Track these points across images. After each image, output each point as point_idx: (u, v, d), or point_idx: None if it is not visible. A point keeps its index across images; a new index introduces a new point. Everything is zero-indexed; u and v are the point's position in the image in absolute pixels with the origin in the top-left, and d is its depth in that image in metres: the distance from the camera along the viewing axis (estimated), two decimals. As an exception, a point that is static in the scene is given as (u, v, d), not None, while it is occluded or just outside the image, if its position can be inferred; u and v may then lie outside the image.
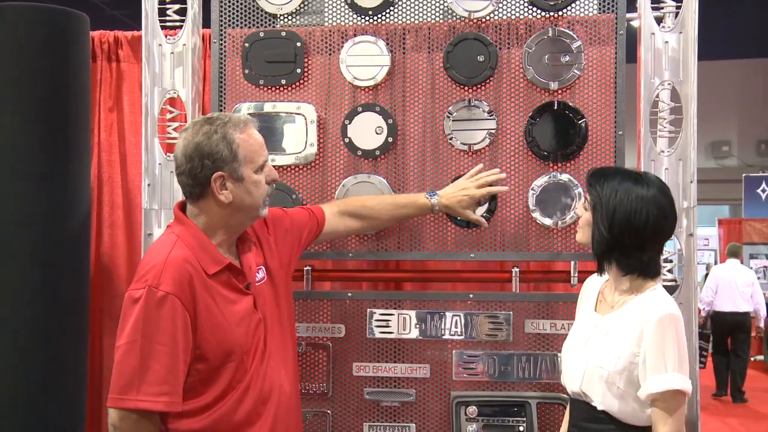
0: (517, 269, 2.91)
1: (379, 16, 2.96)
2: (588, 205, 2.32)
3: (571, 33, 2.84)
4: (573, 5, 2.87)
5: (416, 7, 2.94)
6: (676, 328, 2.18)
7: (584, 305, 2.48)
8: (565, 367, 2.40)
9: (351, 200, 2.78)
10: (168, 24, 3.07)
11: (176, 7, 3.05)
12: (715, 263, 11.96)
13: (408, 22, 2.95)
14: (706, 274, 12.11)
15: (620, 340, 2.23)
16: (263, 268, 2.39)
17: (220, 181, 2.20)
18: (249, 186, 2.23)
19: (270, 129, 2.95)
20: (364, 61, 2.93)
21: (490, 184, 2.77)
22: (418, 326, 2.90)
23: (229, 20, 3.01)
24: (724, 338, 9.19)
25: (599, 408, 2.25)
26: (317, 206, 2.69)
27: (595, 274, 2.52)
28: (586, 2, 2.88)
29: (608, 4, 2.85)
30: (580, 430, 2.34)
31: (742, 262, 9.81)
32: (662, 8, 2.87)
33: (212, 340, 2.16)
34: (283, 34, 2.97)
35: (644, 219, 2.22)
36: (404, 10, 2.95)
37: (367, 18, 2.96)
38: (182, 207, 2.31)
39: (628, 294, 2.30)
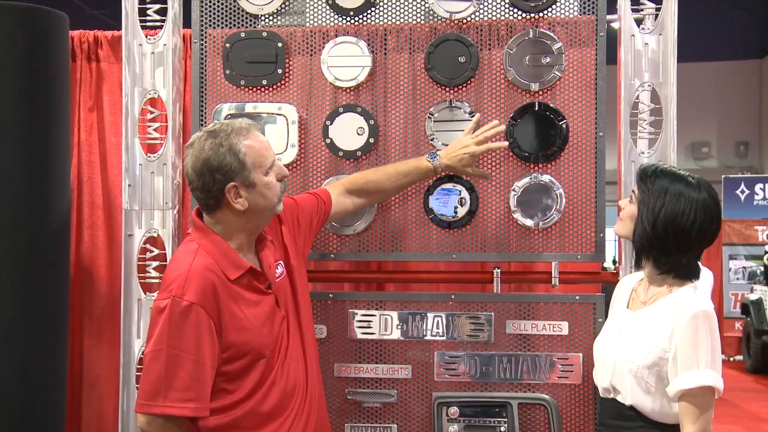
0: (499, 270, 2.92)
1: (361, 16, 2.95)
2: (635, 199, 2.34)
3: (551, 34, 2.85)
4: (554, 7, 2.88)
5: (397, 8, 2.95)
6: (710, 325, 2.19)
7: (617, 303, 2.50)
8: (596, 363, 2.42)
9: (355, 177, 2.77)
10: (148, 24, 3.06)
11: (157, 6, 3.05)
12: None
13: (389, 22, 2.95)
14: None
15: (651, 335, 2.25)
16: (281, 262, 2.43)
17: (234, 191, 2.23)
18: (262, 189, 2.26)
19: (251, 129, 2.94)
20: (346, 61, 2.93)
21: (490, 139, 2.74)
22: (399, 327, 2.90)
23: (210, 20, 3.00)
24: None
25: (627, 404, 2.26)
26: (323, 189, 2.70)
27: (630, 274, 2.55)
28: (567, 4, 2.89)
29: (588, 5, 2.87)
30: (608, 428, 2.36)
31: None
32: (642, 10, 2.89)
33: (238, 342, 2.21)
34: (264, 34, 2.97)
35: (691, 221, 2.24)
36: (386, 10, 2.95)
37: (348, 19, 2.96)
38: (200, 213, 2.34)
39: (661, 291, 2.31)
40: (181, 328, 2.14)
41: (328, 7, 2.96)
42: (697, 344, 2.17)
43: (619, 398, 2.30)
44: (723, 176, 13.22)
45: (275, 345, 2.29)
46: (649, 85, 2.87)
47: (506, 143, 2.77)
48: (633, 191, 2.37)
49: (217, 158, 2.21)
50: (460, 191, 2.88)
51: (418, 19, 2.94)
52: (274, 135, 2.93)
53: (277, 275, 2.38)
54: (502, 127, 2.75)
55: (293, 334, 2.37)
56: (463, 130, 2.83)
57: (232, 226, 2.28)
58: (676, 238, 2.26)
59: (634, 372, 2.24)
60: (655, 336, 2.24)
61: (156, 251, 3.03)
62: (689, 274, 2.31)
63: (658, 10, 2.87)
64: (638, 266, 2.38)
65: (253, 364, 2.24)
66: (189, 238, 2.32)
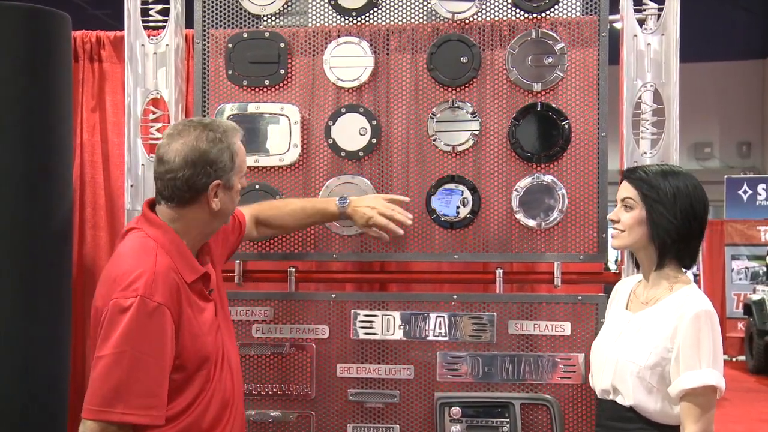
0: (501, 270, 2.91)
1: (363, 17, 2.95)
2: (635, 202, 2.31)
3: (554, 35, 2.85)
4: (556, 7, 2.88)
5: (400, 8, 2.94)
6: (712, 325, 2.19)
7: (615, 306, 2.49)
8: (594, 366, 2.42)
9: (264, 208, 2.74)
10: (151, 24, 3.06)
11: (159, 7, 3.05)
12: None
13: (392, 23, 2.95)
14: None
15: (653, 335, 2.24)
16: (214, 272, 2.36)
17: (216, 189, 2.16)
18: (234, 195, 2.23)
19: (254, 130, 2.94)
20: (348, 62, 2.93)
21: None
22: (402, 327, 2.90)
23: (212, 21, 3.00)
24: None
25: (628, 405, 2.26)
26: (239, 210, 2.59)
27: (627, 278, 2.55)
28: (569, 4, 2.89)
29: (591, 6, 2.86)
30: (606, 430, 2.35)
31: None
32: (644, 10, 2.89)
33: (191, 349, 2.12)
34: (267, 34, 2.97)
35: (703, 204, 2.29)
36: (388, 11, 2.95)
37: (350, 19, 2.96)
38: (150, 206, 2.23)
39: (662, 291, 2.31)
40: (146, 329, 2.01)
41: (330, 8, 2.96)
42: (700, 343, 2.17)
43: (618, 399, 2.29)
44: (725, 176, 13.24)
45: (216, 355, 2.21)
46: (651, 86, 2.86)
47: (401, 231, 2.75)
48: (627, 198, 2.33)
49: (215, 153, 2.14)
50: (462, 191, 2.88)
51: (421, 20, 2.94)
52: (276, 135, 2.94)
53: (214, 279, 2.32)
54: (408, 218, 2.76)
55: (225, 346, 2.29)
56: (465, 130, 2.86)
57: (192, 225, 2.19)
58: (698, 224, 2.28)
59: (636, 372, 2.24)
60: (658, 336, 2.23)
61: (158, 251, 3.02)
62: (696, 260, 2.35)
63: (660, 10, 2.87)
64: (662, 266, 2.32)
65: (198, 373, 2.15)
66: (141, 234, 2.17)
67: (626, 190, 2.33)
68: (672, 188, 2.26)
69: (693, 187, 2.28)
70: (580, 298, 2.85)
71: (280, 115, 2.94)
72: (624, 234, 2.35)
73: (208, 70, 3.00)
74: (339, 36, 2.95)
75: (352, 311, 2.92)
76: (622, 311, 2.41)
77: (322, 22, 2.98)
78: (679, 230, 2.26)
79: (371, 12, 2.95)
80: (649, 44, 2.85)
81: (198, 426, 2.15)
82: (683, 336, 2.18)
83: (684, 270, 2.34)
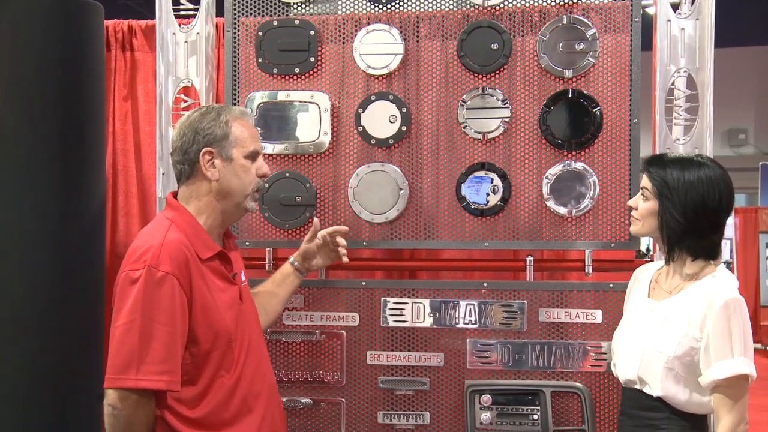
0: (531, 258, 2.90)
1: (393, 4, 2.95)
2: (650, 194, 2.31)
3: (585, 20, 2.83)
4: (588, -8, 2.85)
5: (430, -5, 2.93)
6: (741, 313, 2.18)
7: (635, 293, 2.47)
8: (618, 355, 2.40)
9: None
10: (182, 13, 3.07)
11: (190, -5, 3.06)
12: (731, 252, 11.88)
13: (422, 10, 2.94)
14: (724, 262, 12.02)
15: (681, 324, 2.22)
16: (243, 272, 2.42)
17: (209, 156, 2.26)
18: (237, 168, 2.28)
19: (283, 118, 2.95)
20: (378, 49, 2.92)
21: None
22: (432, 315, 2.90)
23: (243, 9, 3.01)
24: None
25: (655, 395, 2.25)
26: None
27: (647, 264, 2.53)
28: (601, -11, 2.86)
29: (623, -10, 2.83)
30: (631, 419, 2.34)
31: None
32: (678, -5, 2.85)
33: (203, 323, 2.18)
34: (297, 22, 2.97)
35: (718, 199, 2.25)
36: (418, -3, 2.94)
37: (380, 6, 2.95)
38: (175, 196, 2.35)
39: (689, 279, 2.29)
40: (155, 298, 2.09)
41: (360, -5, 2.96)
42: (731, 333, 2.16)
43: (645, 390, 2.28)
44: (761, 163, 13.02)
45: (236, 336, 2.24)
46: (685, 71, 2.83)
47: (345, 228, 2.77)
48: (644, 188, 2.33)
49: (203, 122, 2.27)
50: (492, 179, 2.87)
51: (451, 6, 2.93)
52: (306, 123, 2.94)
53: (242, 280, 2.38)
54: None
55: (257, 337, 2.34)
56: (495, 118, 2.86)
57: (204, 203, 2.28)
58: (709, 220, 2.25)
59: (664, 363, 2.22)
60: (685, 325, 2.21)
61: (190, 239, 3.05)
62: (718, 252, 2.31)
63: (695, -6, 2.83)
64: (672, 260, 2.33)
65: (214, 349, 2.19)
66: (161, 216, 2.31)
67: (645, 180, 2.34)
68: (686, 183, 2.24)
69: (709, 180, 2.25)
70: (611, 285, 2.83)
71: (310, 102, 2.95)
72: (641, 222, 2.36)
73: (238, 59, 3.02)
74: (369, 23, 2.95)
75: (382, 299, 2.92)
76: (645, 299, 2.39)
77: (351, 9, 2.98)
78: (685, 228, 2.25)
79: (401, -1, 2.95)
80: (683, 29, 2.82)
81: (223, 410, 2.19)
82: (713, 325, 2.16)
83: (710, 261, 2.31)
